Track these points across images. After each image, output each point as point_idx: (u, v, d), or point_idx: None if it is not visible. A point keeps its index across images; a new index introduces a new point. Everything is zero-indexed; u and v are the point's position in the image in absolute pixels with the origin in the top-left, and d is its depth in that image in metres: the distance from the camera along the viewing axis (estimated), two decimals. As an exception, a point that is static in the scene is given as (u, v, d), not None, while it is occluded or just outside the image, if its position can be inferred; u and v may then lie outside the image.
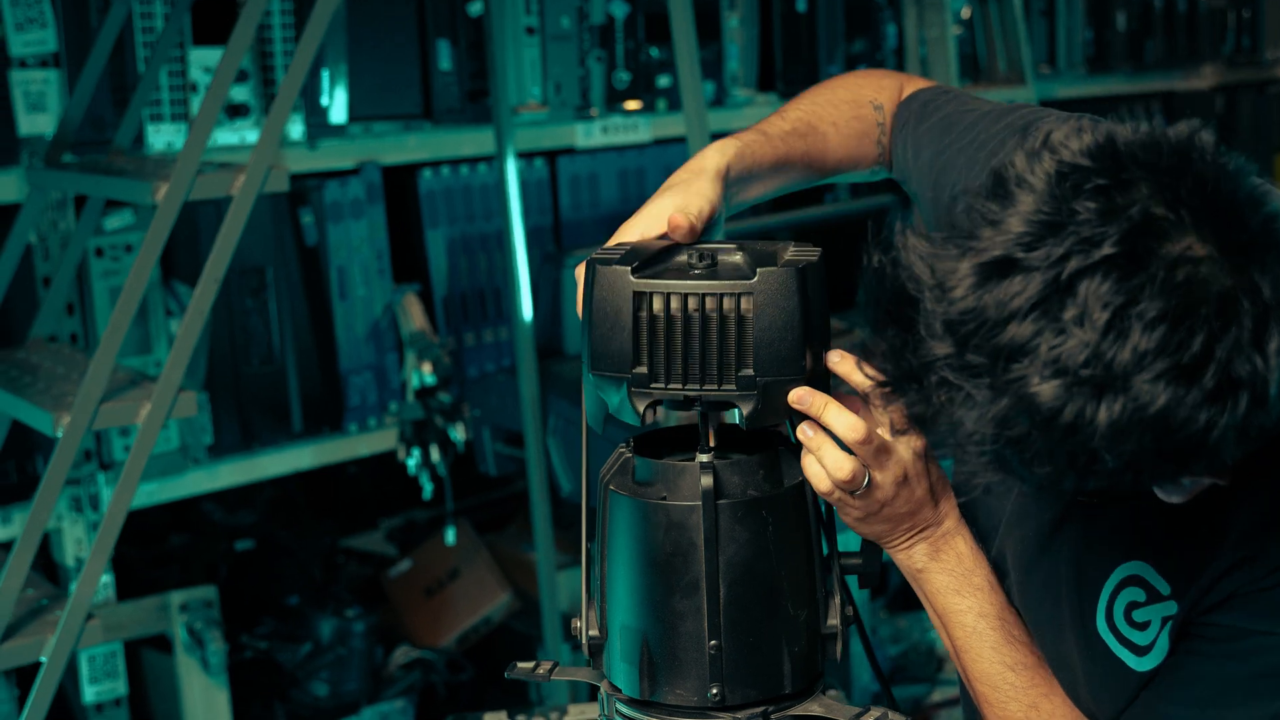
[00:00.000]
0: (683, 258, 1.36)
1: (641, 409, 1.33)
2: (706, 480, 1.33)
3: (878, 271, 1.15)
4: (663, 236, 1.40)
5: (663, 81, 3.49)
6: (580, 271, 1.40)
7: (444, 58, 3.22)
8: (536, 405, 3.14)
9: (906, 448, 1.34)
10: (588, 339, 1.34)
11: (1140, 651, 1.31)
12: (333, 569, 3.55)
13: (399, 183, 3.25)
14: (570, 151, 3.45)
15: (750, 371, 1.31)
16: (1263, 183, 1.09)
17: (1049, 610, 1.40)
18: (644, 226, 1.42)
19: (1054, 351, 1.03)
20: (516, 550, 3.63)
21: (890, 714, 1.39)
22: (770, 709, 1.37)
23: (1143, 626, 1.30)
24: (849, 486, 1.33)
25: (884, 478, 1.34)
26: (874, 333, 1.17)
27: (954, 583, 1.39)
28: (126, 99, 2.75)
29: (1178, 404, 1.02)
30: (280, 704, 3.20)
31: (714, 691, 1.36)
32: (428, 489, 3.22)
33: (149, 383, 2.14)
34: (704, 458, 1.36)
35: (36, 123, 2.72)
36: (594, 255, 1.36)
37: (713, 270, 1.33)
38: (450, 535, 3.34)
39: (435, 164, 3.28)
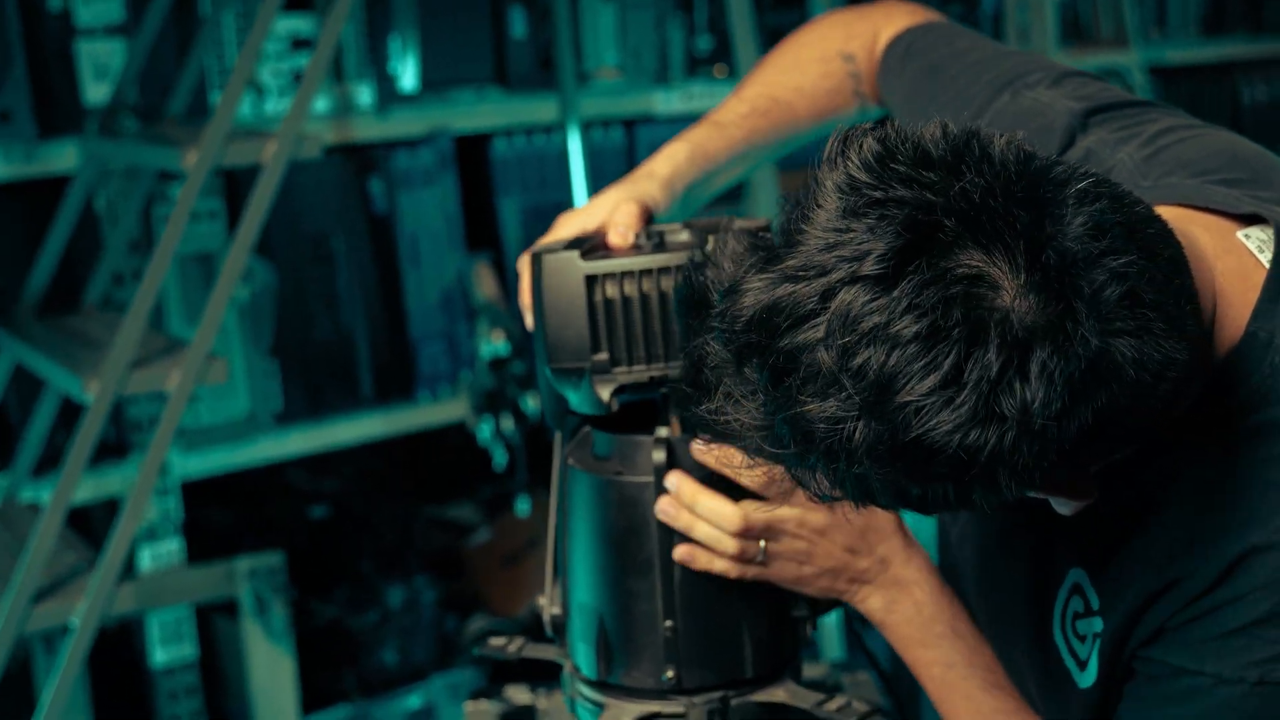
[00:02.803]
0: (628, 241, 1.33)
1: (607, 396, 1.28)
2: (659, 455, 1.29)
3: (688, 275, 1.12)
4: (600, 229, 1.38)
5: (746, 47, 3.42)
6: (522, 265, 1.37)
7: (517, 24, 3.19)
8: (605, 376, 3.10)
9: (792, 512, 1.30)
10: (541, 333, 1.30)
11: (1081, 665, 1.24)
12: (410, 537, 3.56)
13: (471, 150, 3.23)
14: (649, 119, 3.40)
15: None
16: (1084, 186, 0.99)
17: (1006, 612, 1.33)
18: (583, 221, 1.38)
19: (811, 371, 0.97)
20: (596, 522, 3.60)
21: (854, 702, 1.34)
22: (730, 694, 1.33)
23: (1083, 639, 1.23)
24: (742, 558, 1.29)
25: (780, 547, 1.30)
26: (682, 337, 1.12)
27: (916, 634, 1.34)
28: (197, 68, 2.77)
29: (930, 429, 0.95)
30: (350, 671, 3.21)
31: (669, 674, 1.32)
32: (500, 459, 3.20)
33: (182, 350, 2.15)
34: (662, 432, 1.32)
35: (103, 91, 2.74)
36: (536, 249, 1.32)
37: (661, 248, 1.29)
38: (522, 506, 3.32)
39: (508, 132, 3.26)
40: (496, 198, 3.25)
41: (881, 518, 1.32)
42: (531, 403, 3.19)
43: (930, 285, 0.95)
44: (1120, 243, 0.97)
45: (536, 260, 1.29)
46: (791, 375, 0.98)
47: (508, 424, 3.19)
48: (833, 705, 1.33)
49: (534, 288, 1.30)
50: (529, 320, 1.36)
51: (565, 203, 3.31)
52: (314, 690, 3.14)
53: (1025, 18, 3.75)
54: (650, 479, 1.29)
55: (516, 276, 3.33)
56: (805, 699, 1.34)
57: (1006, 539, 1.33)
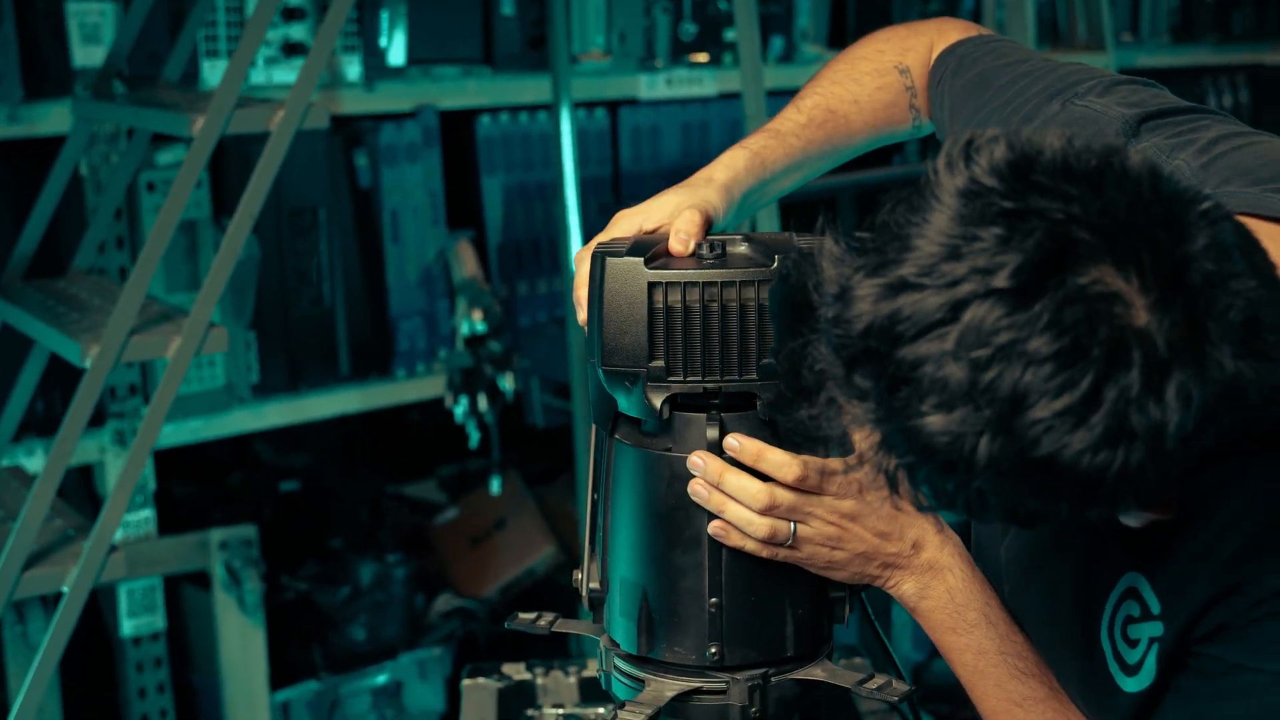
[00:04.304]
0: (689, 249, 1.33)
1: (659, 403, 1.29)
2: (712, 432, 1.30)
3: (785, 275, 1.11)
4: (659, 230, 1.38)
5: (730, 35, 3.43)
6: (579, 259, 1.36)
7: (506, 3, 3.18)
8: (586, 357, 3.10)
9: (822, 497, 1.29)
10: (598, 334, 1.30)
11: (1129, 670, 1.25)
12: (379, 514, 3.54)
13: (456, 128, 3.22)
14: (633, 102, 3.40)
15: (771, 360, 1.27)
16: (1208, 207, 0.99)
17: (1047, 614, 1.34)
18: (640, 221, 1.38)
19: (936, 383, 0.96)
20: (564, 503, 3.61)
21: (894, 682, 1.35)
22: (771, 671, 1.33)
23: (1134, 644, 1.24)
24: (773, 540, 1.29)
25: (810, 531, 1.29)
26: (778, 339, 1.11)
27: (948, 620, 1.34)
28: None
29: (1060, 448, 0.95)
30: (318, 646, 3.20)
31: (713, 650, 1.32)
32: (475, 438, 3.19)
33: (182, 317, 2.13)
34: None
35: (92, 55, 2.71)
36: (600, 248, 1.32)
37: (723, 260, 1.30)
38: (495, 485, 3.32)
39: (494, 110, 3.25)
40: (480, 176, 3.24)
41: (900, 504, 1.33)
42: (507, 382, 3.19)
43: (1070, 303, 0.94)
44: (1240, 265, 0.98)
45: (600, 261, 1.29)
46: (910, 385, 0.98)
47: (483, 403, 3.19)
48: (873, 684, 1.34)
49: (595, 289, 1.30)
50: (582, 315, 1.36)
51: (548, 184, 3.31)
52: (281, 666, 3.12)
53: (1003, 17, 3.78)
54: (702, 455, 1.30)
55: (497, 255, 3.34)
56: (844, 678, 1.35)
57: (1055, 545, 1.34)
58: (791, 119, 1.52)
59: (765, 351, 1.27)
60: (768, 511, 1.27)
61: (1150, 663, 1.22)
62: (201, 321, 2.09)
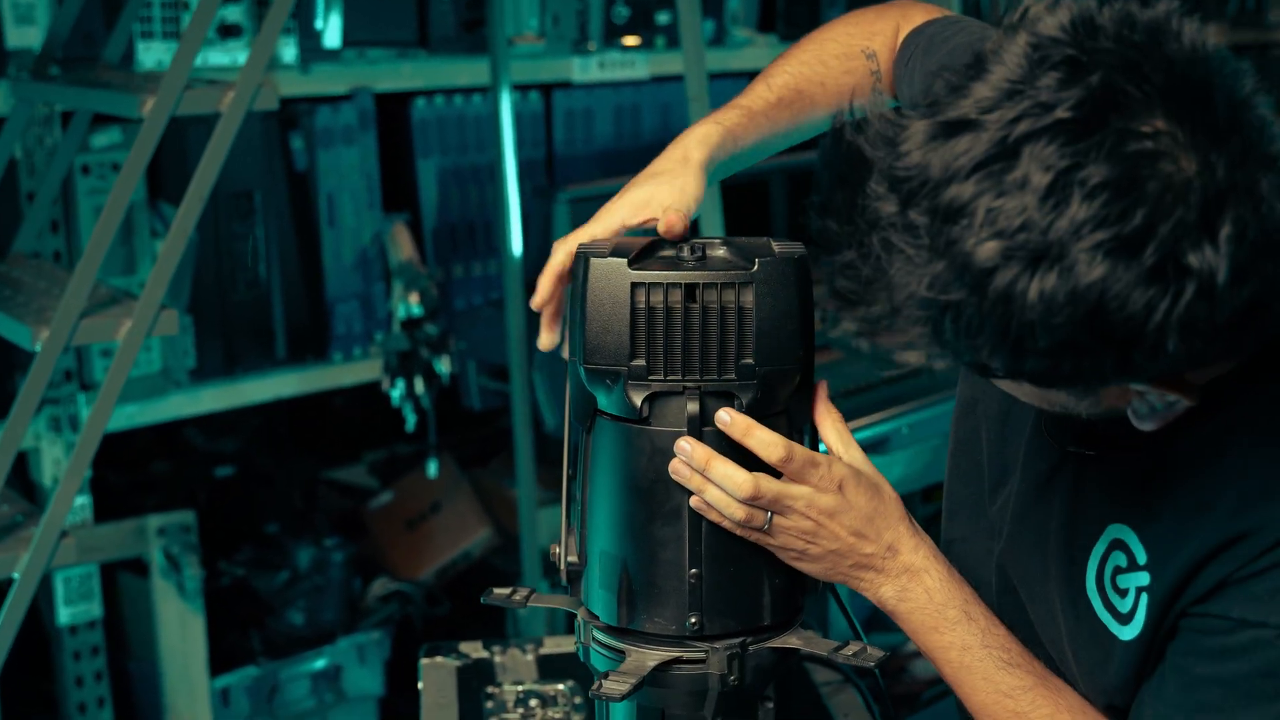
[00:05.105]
0: (669, 251, 1.35)
1: (639, 401, 1.31)
2: (693, 406, 1.31)
3: (838, 133, 1.13)
4: (643, 225, 1.40)
5: (662, 18, 3.45)
6: (558, 246, 1.38)
7: (441, -15, 3.18)
8: (523, 340, 3.12)
9: (803, 490, 1.30)
10: (581, 333, 1.32)
11: (1122, 619, 1.27)
12: (313, 499, 3.53)
13: (391, 110, 3.22)
14: (566, 85, 3.42)
15: (750, 361, 1.30)
16: (1243, 74, 1.05)
17: (1037, 563, 1.36)
18: (626, 214, 1.40)
19: (991, 214, 0.99)
20: (499, 485, 3.61)
21: (868, 648, 1.37)
22: (748, 640, 1.36)
23: (1124, 593, 1.26)
24: (748, 525, 1.30)
25: (786, 523, 1.31)
26: (825, 198, 1.13)
27: (929, 620, 1.35)
28: (118, 14, 2.71)
29: (1113, 280, 0.97)
30: (256, 631, 3.19)
31: (693, 620, 1.34)
32: (411, 421, 3.19)
33: (130, 300, 2.12)
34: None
35: (25, 36, 2.68)
36: (582, 248, 1.34)
37: (703, 262, 1.32)
38: (432, 468, 3.33)
39: (429, 93, 3.25)
40: (415, 159, 3.24)
41: (888, 504, 1.34)
42: (444, 365, 3.19)
43: (1129, 139, 0.98)
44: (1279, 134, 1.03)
45: (583, 261, 1.31)
46: (966, 217, 1.00)
47: (419, 386, 3.19)
48: (848, 651, 1.37)
49: (578, 288, 1.32)
50: (537, 300, 1.38)
51: (483, 166, 3.31)
52: (219, 652, 3.11)
53: None
54: (682, 429, 1.31)
55: (433, 238, 3.33)
56: (820, 645, 1.37)
57: (1043, 490, 1.36)
58: (762, 97, 1.55)
59: (744, 352, 1.30)
60: (750, 501, 1.29)
61: (1141, 611, 1.25)
62: (152, 304, 2.08)
